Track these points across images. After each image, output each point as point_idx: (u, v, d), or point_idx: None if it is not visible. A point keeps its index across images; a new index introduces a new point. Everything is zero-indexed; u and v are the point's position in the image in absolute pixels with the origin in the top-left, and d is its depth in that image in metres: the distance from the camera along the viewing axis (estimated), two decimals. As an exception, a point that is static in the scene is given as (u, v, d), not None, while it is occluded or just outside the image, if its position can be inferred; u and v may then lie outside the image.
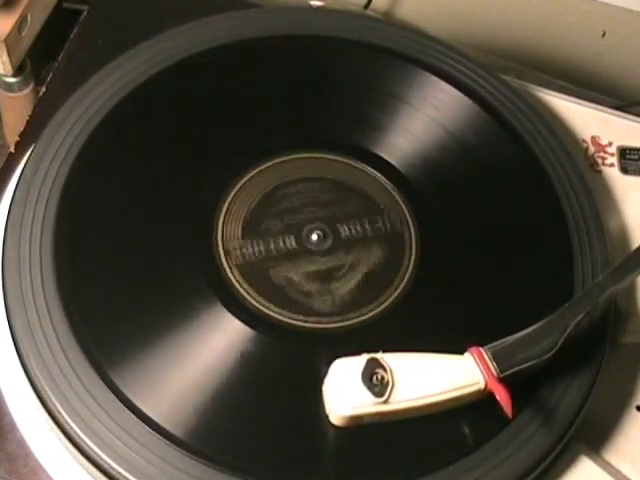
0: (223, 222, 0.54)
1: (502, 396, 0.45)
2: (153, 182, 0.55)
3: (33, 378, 0.48)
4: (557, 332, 0.47)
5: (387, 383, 0.45)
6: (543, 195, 0.57)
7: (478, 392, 0.46)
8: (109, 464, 0.46)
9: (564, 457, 0.51)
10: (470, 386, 0.46)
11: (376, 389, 0.44)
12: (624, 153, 0.63)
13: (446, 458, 0.48)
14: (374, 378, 0.45)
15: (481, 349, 0.46)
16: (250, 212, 0.55)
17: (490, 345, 0.47)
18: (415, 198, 0.57)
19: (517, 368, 0.46)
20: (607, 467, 0.52)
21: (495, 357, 0.46)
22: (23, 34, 0.74)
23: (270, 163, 0.57)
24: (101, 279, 0.51)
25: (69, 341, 0.49)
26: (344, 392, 0.45)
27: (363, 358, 0.45)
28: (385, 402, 0.45)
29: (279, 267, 0.53)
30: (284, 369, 0.50)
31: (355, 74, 0.61)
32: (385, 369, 0.45)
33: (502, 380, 0.45)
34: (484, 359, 0.46)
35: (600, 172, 0.63)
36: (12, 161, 0.59)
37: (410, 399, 0.45)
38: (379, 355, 0.46)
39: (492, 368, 0.46)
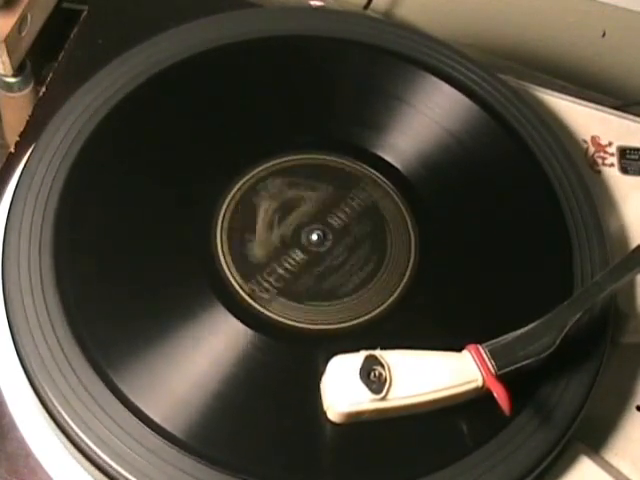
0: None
1: (500, 394, 0.45)
2: (153, 182, 0.55)
3: (33, 378, 0.48)
4: (555, 330, 0.47)
5: (385, 380, 0.45)
6: (543, 195, 0.57)
7: (476, 390, 0.46)
8: (109, 464, 0.46)
9: (564, 457, 0.51)
10: (468, 383, 0.46)
11: (374, 386, 0.45)
12: (624, 153, 0.63)
13: (446, 458, 0.48)
14: (372, 375, 0.45)
15: (479, 346, 0.47)
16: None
17: (488, 343, 0.47)
18: (415, 198, 0.57)
19: (515, 366, 0.46)
20: (607, 467, 0.52)
21: (493, 355, 0.46)
22: (23, 34, 0.74)
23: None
24: (101, 279, 0.51)
25: (69, 341, 0.49)
26: (342, 388, 0.45)
27: (361, 355, 0.46)
28: (383, 399, 0.45)
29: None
30: (283, 369, 0.50)
31: (355, 74, 0.61)
32: (383, 366, 0.45)
33: (500, 378, 0.46)
34: (482, 356, 0.46)
35: (600, 172, 0.63)
36: (12, 161, 0.59)
37: (408, 396, 0.45)
38: (377, 352, 0.46)
39: (490, 366, 0.46)
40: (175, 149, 0.57)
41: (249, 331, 0.50)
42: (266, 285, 0.53)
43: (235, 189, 0.56)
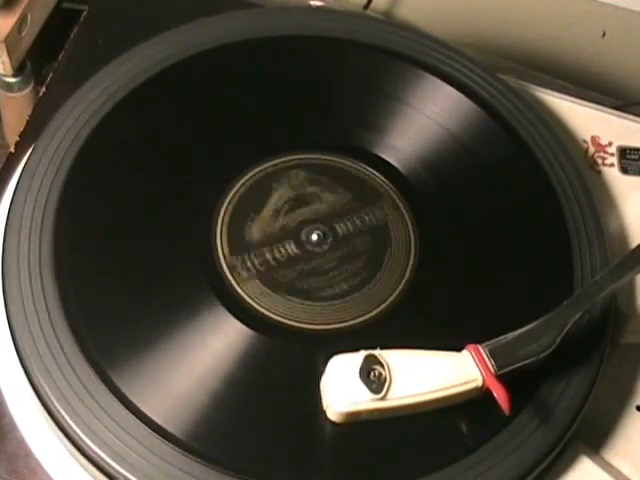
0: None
1: (499, 393, 0.45)
2: (153, 182, 0.55)
3: (33, 378, 0.48)
4: (555, 330, 0.47)
5: (384, 380, 0.45)
6: (543, 195, 0.57)
7: (475, 389, 0.46)
8: (109, 464, 0.46)
9: (564, 457, 0.51)
10: (467, 383, 0.46)
11: (373, 385, 0.45)
12: (624, 153, 0.63)
13: (446, 458, 0.48)
14: (372, 374, 0.45)
15: (479, 346, 0.46)
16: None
17: (488, 342, 0.47)
18: (415, 198, 0.57)
19: (515, 366, 0.46)
20: (607, 467, 0.52)
21: (493, 354, 0.46)
22: (23, 34, 0.74)
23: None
24: (101, 279, 0.51)
25: (69, 341, 0.49)
26: (342, 388, 0.45)
27: (361, 354, 0.46)
28: (382, 398, 0.45)
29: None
30: (284, 369, 0.50)
31: (355, 74, 0.61)
32: (383, 366, 0.45)
33: (500, 377, 0.46)
34: (482, 356, 0.46)
35: (600, 172, 0.63)
36: (12, 161, 0.59)
37: (407, 396, 0.45)
38: (377, 352, 0.46)
39: (489, 365, 0.46)
40: (175, 149, 0.57)
41: (249, 331, 0.50)
42: (249, 265, 0.53)
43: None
